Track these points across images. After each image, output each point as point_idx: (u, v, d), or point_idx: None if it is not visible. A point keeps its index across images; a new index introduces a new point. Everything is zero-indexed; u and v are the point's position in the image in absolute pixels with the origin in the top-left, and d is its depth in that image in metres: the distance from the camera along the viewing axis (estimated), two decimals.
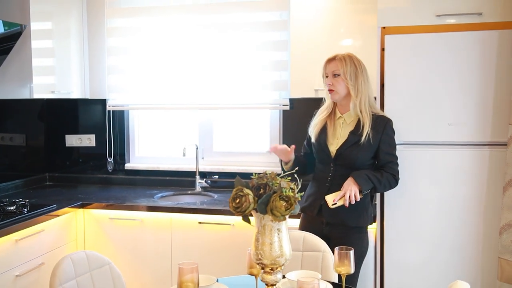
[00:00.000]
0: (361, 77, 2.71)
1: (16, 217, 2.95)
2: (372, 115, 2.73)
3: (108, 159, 4.04)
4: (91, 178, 4.12)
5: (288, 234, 2.00)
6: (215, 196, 3.66)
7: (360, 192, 2.63)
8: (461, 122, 2.80)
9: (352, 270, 2.10)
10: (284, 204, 1.85)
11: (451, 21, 2.80)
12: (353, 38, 3.24)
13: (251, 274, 2.15)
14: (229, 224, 3.24)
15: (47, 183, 4.18)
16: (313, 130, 2.83)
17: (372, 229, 3.02)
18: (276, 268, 1.96)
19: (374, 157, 2.76)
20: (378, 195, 2.98)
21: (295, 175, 1.99)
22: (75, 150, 4.16)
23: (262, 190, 1.89)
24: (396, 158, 2.78)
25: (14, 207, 3.10)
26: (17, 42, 3.30)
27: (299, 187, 1.96)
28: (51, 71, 3.65)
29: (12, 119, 3.93)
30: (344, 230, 2.72)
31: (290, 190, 1.89)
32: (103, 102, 4.00)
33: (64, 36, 3.74)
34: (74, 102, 4.06)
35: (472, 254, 2.82)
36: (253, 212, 1.94)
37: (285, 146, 2.76)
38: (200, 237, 3.28)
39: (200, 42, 3.74)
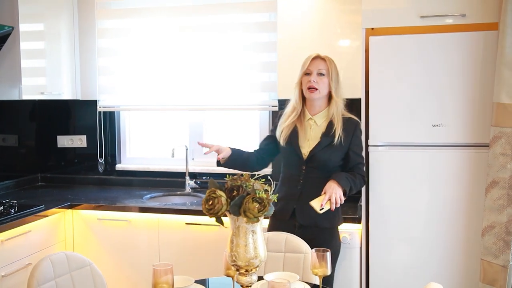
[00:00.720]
0: (339, 80, 2.76)
1: (2, 218, 2.97)
2: (342, 117, 2.76)
3: (99, 160, 4.05)
4: (83, 178, 4.14)
5: (263, 236, 2.01)
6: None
7: (344, 194, 2.63)
8: (445, 124, 2.80)
9: (328, 272, 2.11)
10: (257, 206, 1.86)
11: (435, 22, 2.79)
12: (340, 39, 3.25)
13: (228, 276, 2.16)
14: (216, 225, 3.23)
15: (39, 183, 4.20)
16: (282, 134, 2.77)
17: (358, 230, 3.02)
18: (251, 270, 1.97)
19: (343, 158, 2.77)
20: (363, 197, 2.98)
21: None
22: (67, 151, 4.18)
23: (235, 192, 1.90)
24: (364, 159, 2.81)
25: (2, 207, 3.12)
26: (6, 44, 3.34)
27: (274, 188, 1.97)
28: (42, 72, 3.66)
29: (5, 120, 3.95)
30: (316, 232, 2.72)
31: (264, 192, 1.90)
32: (94, 103, 4.01)
33: (54, 38, 3.75)
34: (65, 103, 4.08)
35: (455, 256, 2.82)
36: (228, 214, 1.95)
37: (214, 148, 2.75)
38: (187, 238, 3.29)
39: (189, 44, 3.75)
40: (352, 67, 3.18)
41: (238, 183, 1.91)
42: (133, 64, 3.88)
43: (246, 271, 1.98)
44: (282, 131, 2.77)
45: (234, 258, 1.95)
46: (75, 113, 4.14)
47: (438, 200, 2.84)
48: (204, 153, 2.77)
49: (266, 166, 2.95)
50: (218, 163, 2.82)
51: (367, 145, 2.94)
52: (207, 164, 3.91)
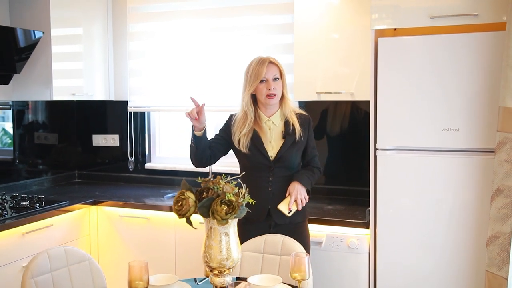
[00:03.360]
0: (285, 80, 2.78)
1: (26, 212, 3.16)
2: (295, 114, 2.78)
3: (129, 159, 4.20)
4: (115, 176, 4.30)
5: (237, 238, 2.03)
6: None
7: (308, 192, 2.73)
8: (455, 128, 2.69)
9: (307, 276, 2.09)
10: (225, 208, 1.88)
11: (446, 23, 2.69)
12: (355, 41, 3.18)
13: (207, 276, 2.19)
14: None
15: (76, 180, 4.41)
16: (241, 141, 2.72)
17: (366, 236, 2.97)
18: (224, 271, 2.00)
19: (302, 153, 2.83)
20: (371, 201, 2.92)
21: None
22: (101, 150, 4.36)
23: (205, 194, 1.93)
24: (317, 151, 2.87)
25: (27, 202, 3.31)
26: (39, 47, 3.53)
27: (246, 190, 1.99)
28: (73, 74, 3.83)
29: (47, 118, 4.19)
30: (291, 228, 2.73)
31: (233, 195, 1.91)
32: (127, 103, 4.16)
33: (87, 41, 3.91)
34: (101, 104, 4.25)
35: (462, 265, 2.71)
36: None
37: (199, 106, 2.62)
38: (201, 238, 3.33)
39: (212, 46, 3.81)
40: (367, 69, 3.11)
41: (210, 185, 1.94)
42: (161, 66, 3.99)
43: (220, 272, 2.00)
44: (240, 139, 2.73)
45: (206, 259, 1.98)
46: (109, 113, 4.31)
47: (446, 206, 2.74)
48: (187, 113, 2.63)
49: (211, 164, 2.89)
50: (193, 135, 2.68)
51: (375, 149, 2.87)
52: (231, 165, 3.93)
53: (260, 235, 2.68)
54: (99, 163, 4.38)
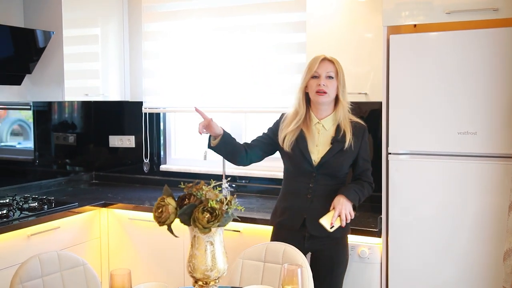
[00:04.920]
0: (345, 83, 2.60)
1: (32, 213, 3.13)
2: (350, 121, 2.60)
3: (144, 160, 4.15)
4: (130, 178, 4.25)
5: (223, 248, 1.92)
6: (236, 200, 3.60)
7: (354, 208, 2.51)
8: (472, 131, 2.51)
9: None
10: (207, 216, 1.77)
11: (463, 18, 2.50)
12: (368, 39, 3.02)
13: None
14: (237, 231, 3.18)
15: (94, 181, 4.38)
16: (286, 139, 2.60)
17: (378, 245, 2.80)
18: (209, 282, 1.89)
19: (351, 164, 2.63)
20: (383, 209, 2.76)
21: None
22: (118, 151, 4.32)
23: (187, 200, 1.82)
24: (370, 165, 2.65)
25: (36, 203, 3.29)
26: (51, 48, 3.51)
27: (234, 198, 1.88)
28: (86, 75, 3.80)
29: (67, 120, 4.20)
30: (327, 242, 2.58)
31: (217, 202, 1.80)
32: (141, 104, 4.11)
33: (101, 41, 3.88)
34: (118, 104, 4.21)
35: (477, 278, 2.52)
36: None
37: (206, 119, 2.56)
38: None
39: (226, 45, 3.72)
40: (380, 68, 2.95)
41: (192, 191, 1.83)
42: (175, 66, 3.91)
43: (206, 283, 1.89)
44: (285, 136, 2.61)
45: (190, 269, 1.88)
46: (125, 114, 4.27)
47: (462, 214, 2.55)
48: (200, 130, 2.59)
49: (251, 163, 2.77)
50: (209, 145, 2.65)
51: (387, 153, 2.71)
52: (246, 168, 3.83)
53: (294, 244, 2.54)
54: (115, 164, 4.34)
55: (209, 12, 3.76)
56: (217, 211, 1.76)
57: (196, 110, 2.60)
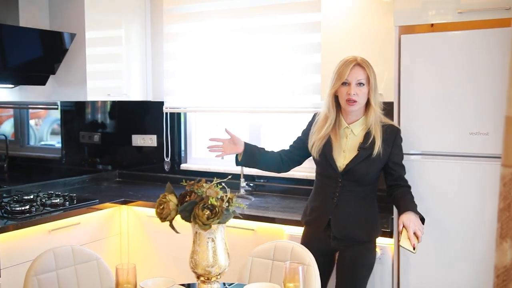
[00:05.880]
0: (377, 85, 2.54)
1: (54, 209, 3.23)
2: (382, 124, 2.54)
3: (165, 159, 4.22)
4: (152, 176, 4.34)
5: (225, 244, 1.96)
6: (253, 199, 3.65)
7: (422, 221, 2.43)
8: (484, 132, 2.48)
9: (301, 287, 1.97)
10: (207, 213, 1.81)
11: (475, 17, 2.48)
12: (383, 39, 3.01)
13: None
14: (252, 230, 3.21)
15: (117, 179, 4.49)
16: (314, 146, 2.60)
17: (390, 246, 2.80)
18: (211, 278, 1.93)
19: (381, 169, 2.58)
20: (394, 209, 2.74)
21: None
22: (141, 149, 4.41)
23: (188, 197, 1.87)
24: (405, 168, 2.58)
25: (58, 200, 3.39)
26: (74, 49, 3.62)
27: (235, 196, 1.91)
28: (109, 75, 3.89)
29: (92, 119, 4.33)
30: (352, 244, 2.57)
31: (217, 199, 1.84)
32: (163, 104, 4.18)
33: (124, 42, 3.97)
34: (140, 104, 4.30)
35: (491, 283, 2.48)
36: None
37: (221, 140, 2.68)
38: (230, 240, 3.26)
39: (243, 45, 3.76)
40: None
41: (194, 188, 1.88)
42: (195, 66, 3.98)
43: (208, 279, 1.94)
44: (314, 143, 2.60)
45: (192, 265, 1.92)
46: (147, 114, 4.35)
47: (475, 216, 2.53)
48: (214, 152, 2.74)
49: (290, 168, 2.82)
50: (237, 162, 2.74)
51: None
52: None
53: (321, 244, 2.60)
54: (138, 163, 4.44)
55: (227, 13, 3.81)
56: (217, 208, 1.80)
57: (226, 131, 2.70)
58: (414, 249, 2.29)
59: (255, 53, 3.73)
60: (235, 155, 2.74)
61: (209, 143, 2.74)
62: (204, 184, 1.86)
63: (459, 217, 2.56)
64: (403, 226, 2.35)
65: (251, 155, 2.70)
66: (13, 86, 3.56)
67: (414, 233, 2.32)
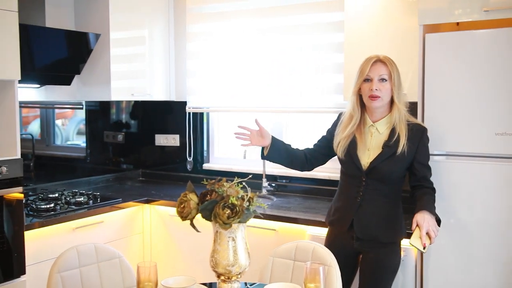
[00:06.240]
0: (401, 83, 2.52)
1: (78, 207, 3.27)
2: (407, 123, 2.50)
3: (188, 159, 4.24)
4: (174, 176, 4.36)
5: (246, 243, 1.95)
6: (275, 199, 3.64)
7: (438, 222, 2.41)
8: (509, 132, 2.43)
9: None
10: (227, 212, 1.81)
11: (502, 15, 2.43)
12: (407, 38, 2.97)
13: None
14: (273, 230, 3.21)
15: (140, 178, 4.52)
16: (339, 145, 2.58)
17: (414, 247, 2.75)
18: (231, 277, 1.93)
19: (407, 168, 2.54)
20: None
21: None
22: (163, 149, 4.44)
23: (208, 197, 1.87)
24: (431, 169, 2.54)
25: (82, 198, 3.44)
26: (99, 50, 3.66)
27: (256, 195, 1.90)
28: (133, 75, 3.93)
29: (116, 118, 4.38)
30: (375, 245, 2.54)
31: (238, 198, 1.84)
32: (186, 104, 4.20)
33: (147, 43, 4.00)
34: (163, 104, 4.33)
35: None
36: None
37: (249, 130, 2.68)
38: (253, 241, 3.25)
39: (265, 45, 3.76)
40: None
41: (215, 187, 1.88)
42: (218, 66, 3.99)
43: (228, 278, 1.94)
44: (339, 143, 2.59)
45: (212, 264, 1.93)
46: (170, 113, 4.38)
47: (501, 219, 2.48)
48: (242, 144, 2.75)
49: (314, 167, 2.81)
50: (263, 155, 2.74)
51: None
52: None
53: (345, 245, 2.60)
54: (161, 162, 4.47)
55: (249, 13, 3.82)
56: (237, 208, 1.80)
57: (256, 122, 2.69)
58: (424, 248, 2.28)
59: (278, 53, 3.72)
60: (260, 148, 2.73)
61: (238, 130, 2.75)
62: (225, 183, 1.86)
63: (484, 219, 2.52)
64: (417, 225, 2.35)
65: (277, 150, 2.70)
66: (39, 86, 3.62)
67: (427, 233, 2.31)
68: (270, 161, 2.79)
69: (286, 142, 3.87)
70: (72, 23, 3.81)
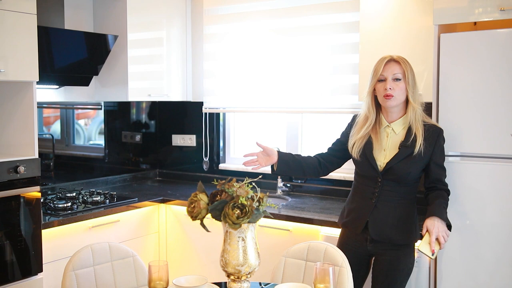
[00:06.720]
0: (416, 83, 2.50)
1: (95, 206, 3.32)
2: (424, 123, 2.49)
3: (204, 159, 4.27)
4: (191, 176, 4.40)
5: (255, 243, 1.96)
6: (289, 199, 3.64)
7: (449, 227, 2.40)
8: None
9: None
10: (237, 212, 1.83)
11: None
12: (422, 38, 2.95)
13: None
14: (287, 230, 3.21)
15: (157, 178, 4.57)
16: (354, 146, 2.57)
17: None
18: (241, 277, 1.94)
19: (423, 169, 2.52)
20: None
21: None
22: (180, 149, 4.48)
23: (218, 197, 1.89)
24: (446, 170, 2.51)
25: (99, 197, 3.48)
26: (116, 51, 3.71)
27: (266, 196, 1.91)
28: (150, 76, 3.96)
29: (133, 119, 4.42)
30: (389, 247, 2.53)
31: (248, 199, 1.85)
32: (202, 104, 4.23)
33: (165, 44, 4.03)
34: (180, 104, 4.36)
35: None
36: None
37: (255, 154, 2.70)
38: (269, 241, 3.27)
39: (281, 46, 3.76)
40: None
41: (225, 187, 1.89)
42: (234, 67, 4.01)
43: (238, 277, 1.95)
44: (354, 144, 2.58)
45: (222, 263, 1.94)
46: (187, 114, 4.41)
47: None
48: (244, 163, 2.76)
49: (330, 172, 2.81)
50: (273, 171, 2.76)
51: None
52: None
53: (358, 247, 2.60)
54: (177, 162, 4.50)
55: (265, 14, 3.83)
56: (247, 208, 1.81)
57: (258, 144, 2.71)
58: (432, 254, 2.29)
59: (293, 53, 3.73)
60: (271, 165, 2.75)
61: (246, 153, 2.78)
62: (235, 184, 1.87)
63: (499, 221, 2.49)
64: (427, 231, 2.35)
65: (285, 162, 2.70)
66: (58, 87, 3.68)
67: (437, 239, 2.32)
68: (282, 174, 2.80)
69: (301, 142, 3.93)
70: (91, 25, 3.86)
